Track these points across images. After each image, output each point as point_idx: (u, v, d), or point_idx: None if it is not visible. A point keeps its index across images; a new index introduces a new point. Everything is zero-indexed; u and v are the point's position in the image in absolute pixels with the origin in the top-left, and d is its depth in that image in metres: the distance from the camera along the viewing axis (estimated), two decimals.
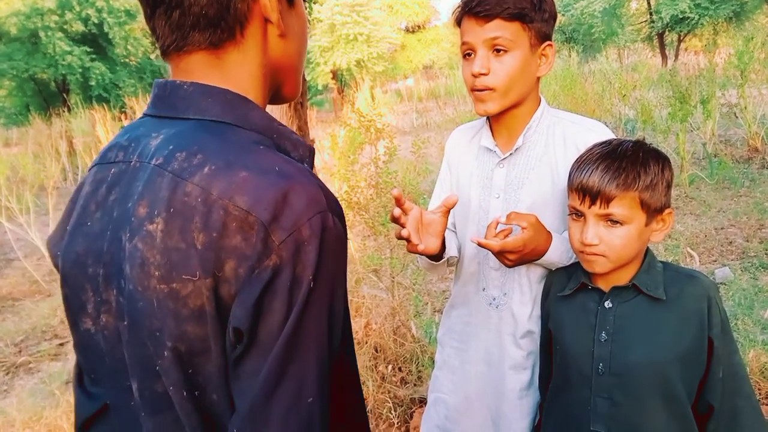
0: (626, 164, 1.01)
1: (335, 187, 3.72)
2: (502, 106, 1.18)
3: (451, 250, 1.28)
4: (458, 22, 1.19)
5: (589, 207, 1.03)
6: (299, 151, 0.70)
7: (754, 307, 3.14)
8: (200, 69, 0.66)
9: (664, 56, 18.62)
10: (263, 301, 0.56)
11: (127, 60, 16.27)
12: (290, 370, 0.57)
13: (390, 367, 2.69)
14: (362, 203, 2.92)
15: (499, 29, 1.12)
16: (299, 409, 0.57)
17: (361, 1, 20.86)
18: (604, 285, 1.10)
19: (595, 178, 1.01)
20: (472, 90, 1.18)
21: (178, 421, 0.60)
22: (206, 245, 0.56)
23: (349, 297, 3.00)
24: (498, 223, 1.12)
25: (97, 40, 15.27)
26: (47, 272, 5.25)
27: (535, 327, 1.26)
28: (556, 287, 1.19)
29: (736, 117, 6.84)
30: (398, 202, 1.05)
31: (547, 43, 1.18)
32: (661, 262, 1.10)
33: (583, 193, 1.03)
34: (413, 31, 30.24)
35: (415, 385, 2.64)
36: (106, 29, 14.77)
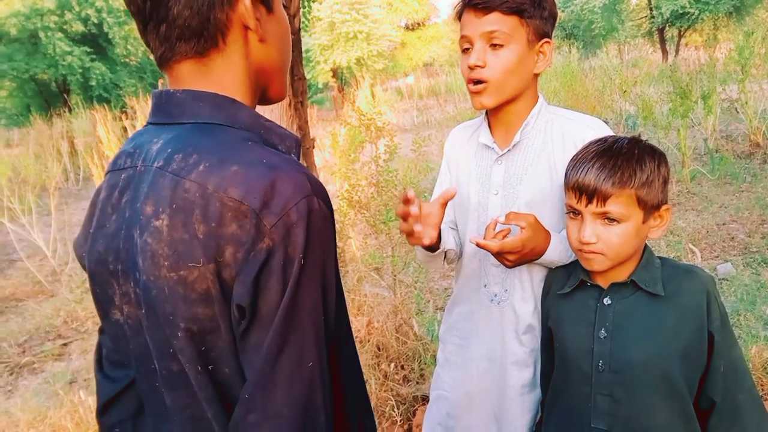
0: (622, 162, 1.01)
1: (336, 185, 3.73)
2: (498, 100, 1.19)
3: (448, 243, 1.30)
4: (459, 16, 1.21)
5: (586, 205, 1.03)
6: (286, 144, 0.76)
7: (756, 303, 3.14)
8: (190, 76, 0.73)
9: (664, 52, 18.56)
10: (260, 280, 0.62)
11: (127, 60, 16.26)
12: (290, 339, 0.63)
13: (392, 365, 2.69)
14: (363, 202, 2.93)
15: (497, 22, 1.13)
16: (301, 373, 0.64)
17: None
18: (603, 282, 1.10)
19: (591, 177, 1.01)
20: (469, 83, 1.19)
21: (192, 395, 0.68)
22: (207, 234, 0.62)
23: (352, 295, 3.01)
24: (497, 223, 1.13)
25: (97, 41, 15.27)
26: (50, 273, 5.27)
27: (537, 323, 1.26)
28: (556, 285, 1.20)
29: (737, 112, 6.82)
30: (410, 201, 1.06)
31: (545, 40, 1.19)
32: (660, 258, 1.10)
33: (579, 191, 1.03)
34: (413, 29, 30.20)
35: (417, 382, 2.65)
36: (105, 29, 14.75)
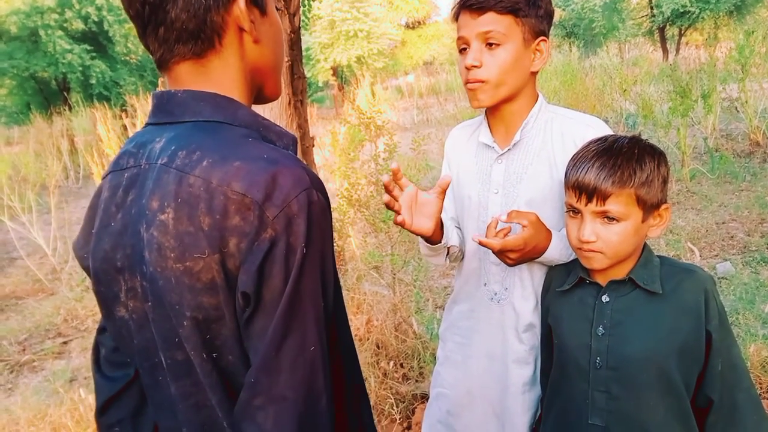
0: (622, 161, 1.01)
1: (336, 184, 3.73)
2: (495, 99, 1.19)
3: (452, 240, 1.30)
4: (455, 17, 1.22)
5: (586, 204, 1.03)
6: (283, 141, 0.78)
7: (756, 302, 3.14)
8: (188, 77, 0.75)
9: (665, 50, 18.54)
10: (264, 268, 0.65)
11: (127, 58, 16.22)
12: (293, 325, 0.66)
13: (392, 363, 2.70)
14: (363, 200, 2.93)
15: (492, 23, 1.14)
16: (304, 358, 0.67)
17: None
18: (602, 279, 1.11)
19: (591, 176, 1.02)
20: (466, 83, 1.20)
21: (197, 383, 0.70)
22: (211, 226, 0.65)
23: (351, 294, 3.01)
24: (498, 222, 1.13)
25: (97, 38, 15.23)
26: (50, 271, 5.27)
27: (537, 321, 1.27)
28: (556, 282, 1.20)
29: (737, 111, 6.81)
30: (395, 176, 1.08)
31: (542, 38, 1.19)
32: (658, 256, 1.11)
33: (579, 190, 1.04)
34: (413, 27, 30.17)
35: (416, 381, 2.65)
36: (106, 27, 14.71)
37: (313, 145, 2.73)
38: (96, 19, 14.61)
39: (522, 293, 1.27)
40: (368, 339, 2.79)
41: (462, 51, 1.21)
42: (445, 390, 1.43)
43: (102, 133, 8.08)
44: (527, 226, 1.11)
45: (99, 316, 0.90)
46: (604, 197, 1.01)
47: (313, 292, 0.68)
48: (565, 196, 1.09)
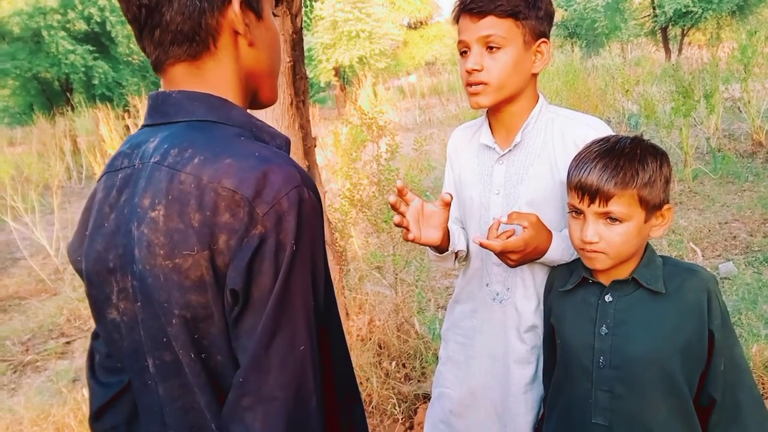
0: (624, 162, 1.01)
1: (338, 184, 3.73)
2: (495, 100, 1.20)
3: (459, 244, 1.31)
4: (456, 20, 1.22)
5: (588, 205, 1.03)
6: (276, 142, 0.78)
7: (758, 302, 3.14)
8: (184, 78, 0.76)
9: (667, 51, 18.51)
10: (253, 265, 0.64)
11: (129, 59, 16.23)
12: (283, 323, 0.65)
13: (394, 363, 2.70)
14: (365, 201, 2.94)
15: (492, 26, 1.14)
16: (294, 357, 0.66)
17: None
18: (605, 279, 1.11)
19: (593, 177, 1.02)
20: (467, 86, 1.21)
21: (185, 385, 0.70)
22: (201, 223, 0.65)
23: (353, 294, 3.01)
24: (499, 224, 1.13)
25: (99, 39, 15.24)
26: (53, 271, 5.28)
27: (539, 321, 1.27)
28: (558, 282, 1.20)
29: (740, 111, 6.80)
30: (400, 193, 1.10)
31: (542, 40, 1.19)
32: (661, 256, 1.11)
33: (581, 191, 1.04)
34: (415, 28, 30.16)
35: (418, 381, 2.65)
36: (108, 28, 14.73)
37: (315, 146, 2.73)
38: (98, 20, 14.63)
39: (524, 293, 1.27)
40: (370, 339, 2.79)
41: (463, 54, 1.22)
42: (447, 390, 1.43)
43: (104, 134, 8.11)
44: (528, 228, 1.11)
45: None
46: (606, 198, 1.01)
47: (303, 290, 0.67)
48: (568, 196, 1.10)
